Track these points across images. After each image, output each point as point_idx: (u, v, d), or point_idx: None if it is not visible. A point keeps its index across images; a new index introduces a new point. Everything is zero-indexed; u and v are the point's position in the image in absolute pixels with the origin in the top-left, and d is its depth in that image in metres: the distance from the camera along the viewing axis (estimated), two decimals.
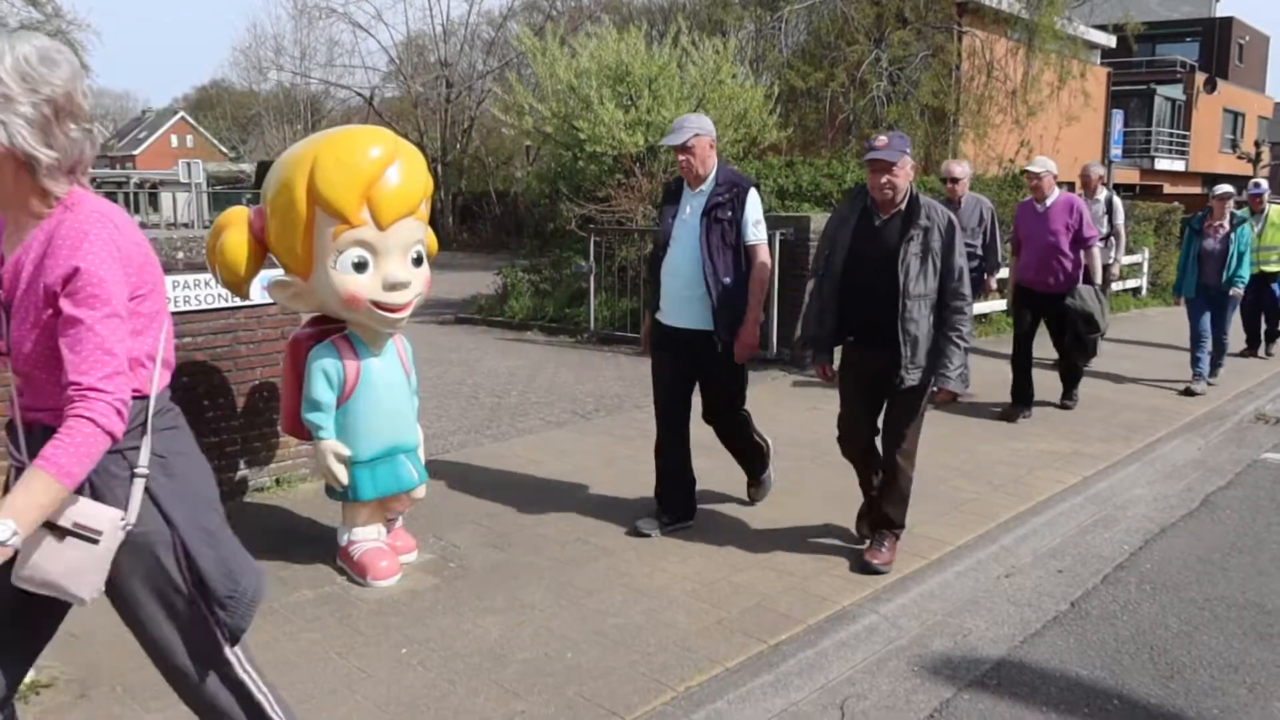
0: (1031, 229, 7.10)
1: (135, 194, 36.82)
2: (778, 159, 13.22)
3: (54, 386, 1.89)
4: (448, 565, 4.18)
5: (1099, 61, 26.94)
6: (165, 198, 35.28)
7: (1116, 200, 9.22)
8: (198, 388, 4.86)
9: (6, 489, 1.91)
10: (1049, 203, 7.04)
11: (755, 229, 4.42)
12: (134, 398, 1.95)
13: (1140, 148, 32.68)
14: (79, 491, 1.90)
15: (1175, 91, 34.73)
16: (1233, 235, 8.00)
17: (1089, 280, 7.08)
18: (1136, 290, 14.79)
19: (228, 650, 2.18)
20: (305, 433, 4.00)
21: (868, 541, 4.28)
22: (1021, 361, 7.16)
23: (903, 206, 4.04)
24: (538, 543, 4.44)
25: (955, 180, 7.38)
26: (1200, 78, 35.50)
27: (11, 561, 1.85)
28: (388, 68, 34.75)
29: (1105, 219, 8.94)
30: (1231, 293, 8.14)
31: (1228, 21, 39.63)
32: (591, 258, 10.60)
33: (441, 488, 5.11)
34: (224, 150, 58.77)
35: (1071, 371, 7.37)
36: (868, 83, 18.32)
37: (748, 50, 17.78)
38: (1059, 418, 7.05)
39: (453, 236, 27.34)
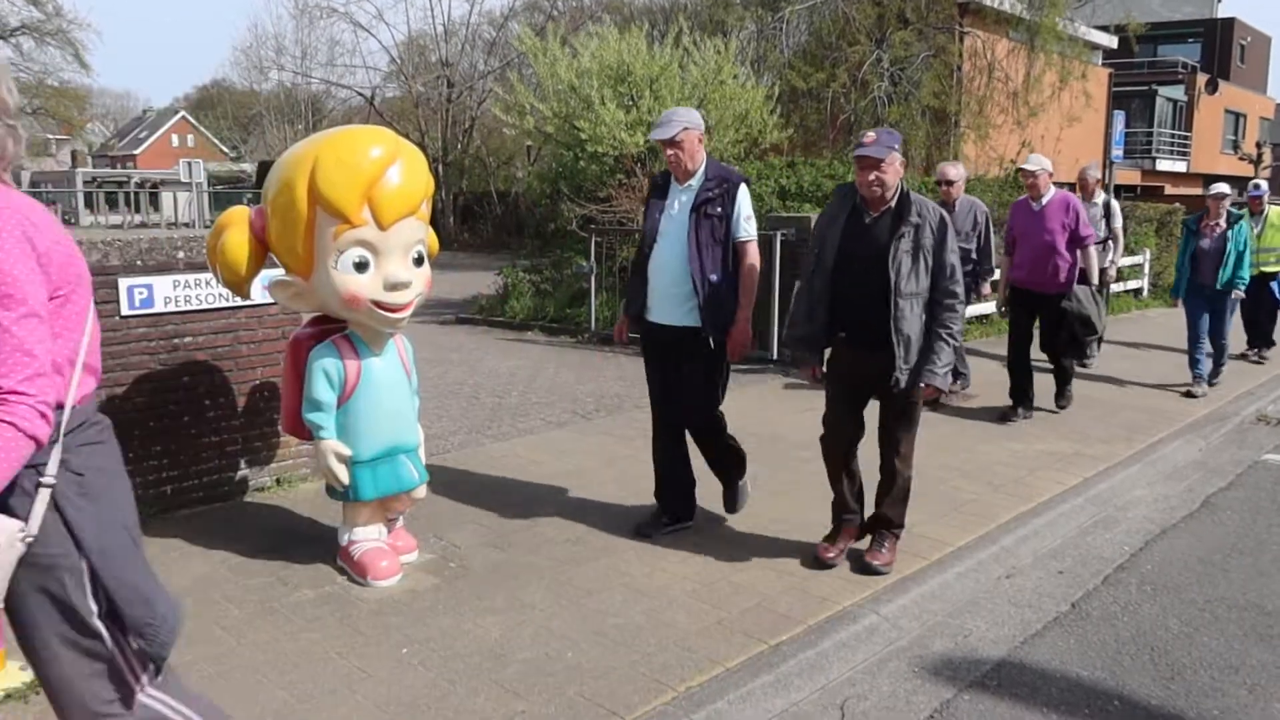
0: (1027, 227, 7.00)
1: (136, 194, 36.87)
2: (779, 159, 13.22)
3: None
4: (448, 565, 4.18)
5: (1100, 62, 26.93)
6: (166, 197, 35.31)
7: (1114, 203, 9.16)
8: (199, 387, 4.86)
9: None
10: (1045, 201, 6.95)
11: (746, 225, 4.35)
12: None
13: (1142, 149, 32.67)
14: None
15: (1177, 92, 34.72)
16: (1230, 234, 7.95)
17: (1085, 281, 7.01)
18: (1138, 291, 14.79)
19: (141, 693, 2.04)
20: (306, 432, 4.00)
21: (868, 542, 4.27)
22: (1019, 363, 7.12)
23: (893, 204, 3.98)
24: (538, 543, 4.44)
25: (950, 183, 7.30)
26: (1202, 79, 35.49)
27: None
28: (389, 67, 34.78)
29: (1103, 222, 8.89)
30: (1233, 295, 8.12)
31: (1229, 22, 39.62)
32: (592, 258, 10.61)
33: (442, 488, 5.11)
34: (225, 150, 58.81)
35: (1061, 373, 7.30)
36: (869, 83, 18.32)
37: (749, 50, 17.79)
38: (1059, 418, 7.05)
39: (454, 236, 27.35)
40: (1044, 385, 7.46)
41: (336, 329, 3.94)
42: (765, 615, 3.71)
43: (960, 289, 3.97)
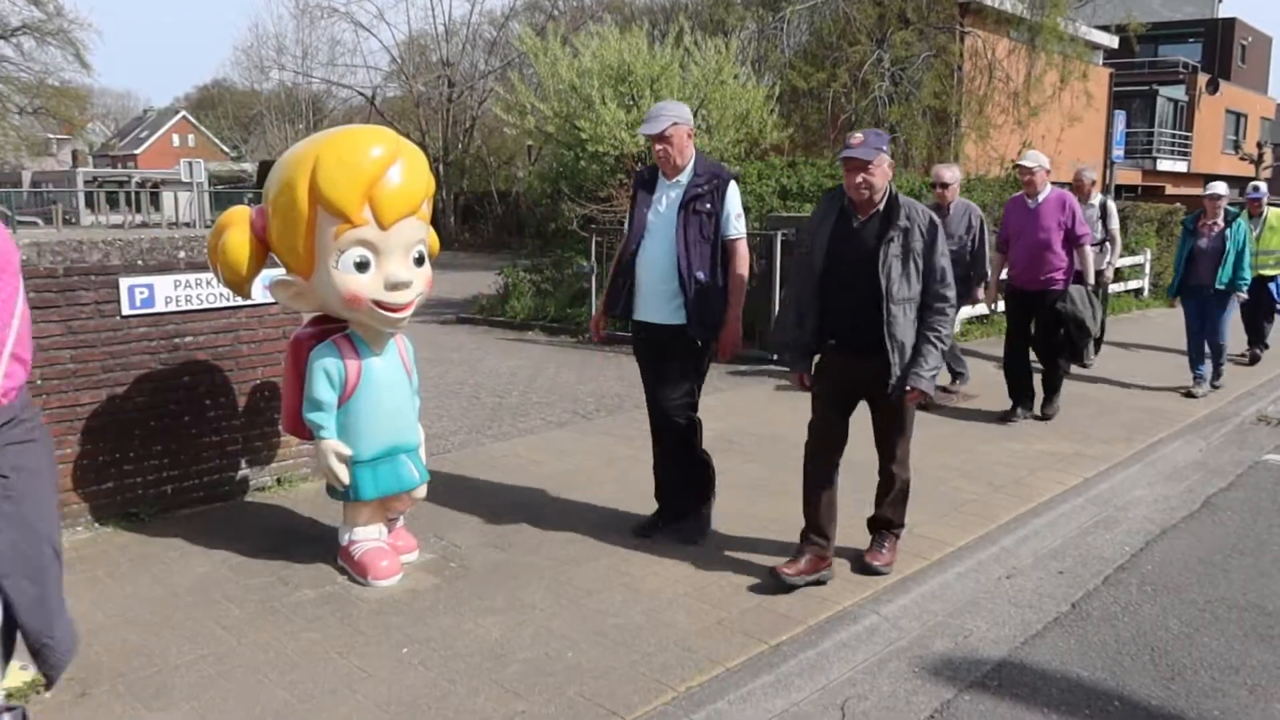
0: (1022, 225, 6.92)
1: (137, 193, 36.91)
2: (779, 159, 13.22)
3: None
4: (448, 565, 4.18)
5: (1101, 62, 26.92)
6: (167, 197, 35.34)
7: (1110, 204, 9.09)
8: (199, 387, 4.87)
9: None
10: (1040, 199, 6.87)
11: (736, 222, 4.28)
12: None
13: (1142, 149, 32.66)
14: None
15: (1178, 92, 34.70)
16: (1228, 233, 7.88)
17: (1081, 281, 6.90)
18: (1138, 292, 14.79)
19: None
20: (307, 432, 4.00)
21: (869, 542, 4.27)
22: (1017, 363, 7.06)
23: (881, 207, 3.88)
24: (538, 543, 4.44)
25: (945, 185, 7.21)
26: (1203, 79, 35.48)
27: None
28: (390, 67, 34.81)
29: (1100, 223, 8.82)
30: (1236, 296, 8.09)
31: (1230, 22, 39.59)
32: (593, 258, 10.60)
33: (442, 487, 5.11)
34: (226, 150, 58.83)
35: (1051, 380, 7.08)
36: (870, 83, 18.32)
37: (749, 50, 17.78)
38: (1060, 419, 7.04)
39: (454, 236, 27.36)
40: (1040, 388, 7.45)
41: (337, 329, 3.95)
42: (765, 615, 3.71)
43: (951, 292, 3.89)
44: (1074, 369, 8.32)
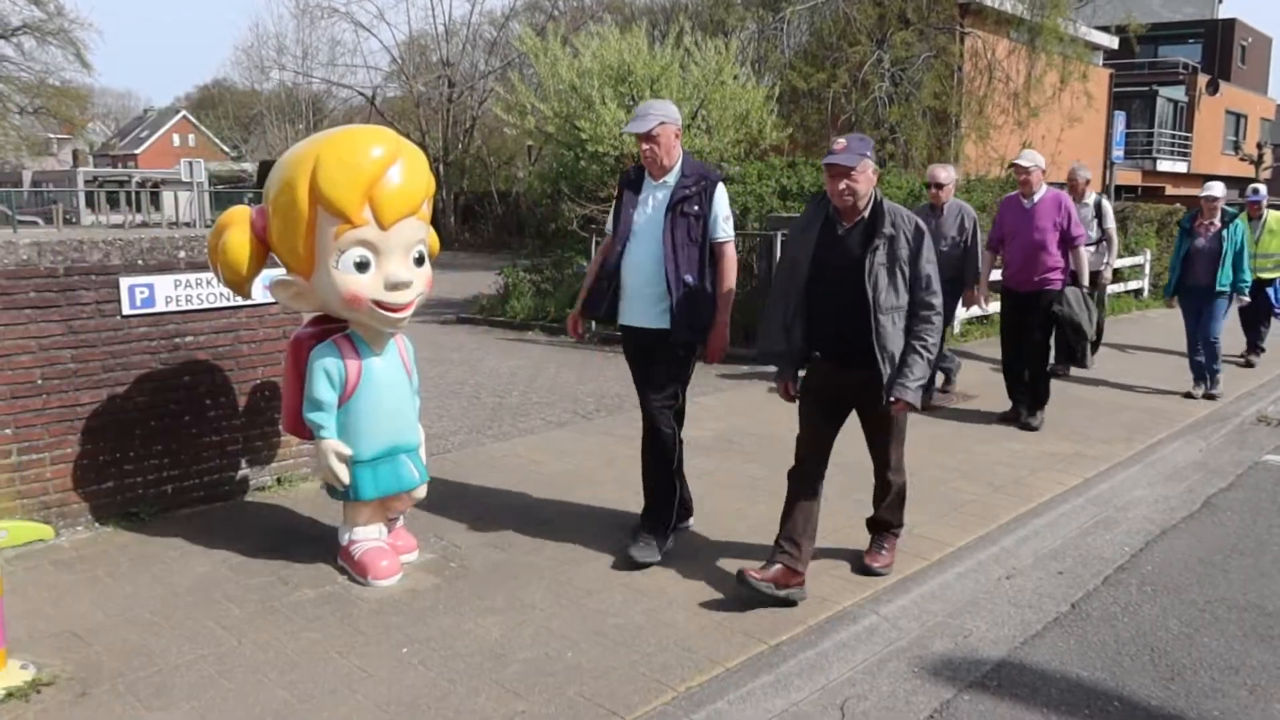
0: (1017, 225, 6.83)
1: (137, 193, 36.92)
2: (779, 159, 13.22)
3: None
4: (448, 565, 4.18)
5: (1101, 63, 26.93)
6: (167, 197, 35.36)
7: (1105, 203, 8.98)
8: (199, 387, 4.87)
9: None
10: (1036, 199, 6.79)
11: (725, 225, 4.19)
12: None
13: (1142, 149, 32.67)
14: None
15: (1178, 93, 34.71)
16: (1225, 233, 7.81)
17: (1076, 283, 6.79)
18: (1138, 292, 14.79)
19: None
20: (307, 432, 4.01)
21: (868, 543, 4.26)
22: (1015, 364, 6.99)
23: (866, 214, 3.77)
24: (538, 542, 4.44)
25: (940, 186, 7.15)
26: (1203, 79, 35.49)
27: None
28: (390, 67, 34.85)
29: (1095, 223, 8.70)
30: (1238, 299, 8.07)
31: (1230, 23, 39.60)
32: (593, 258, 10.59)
33: (442, 487, 5.11)
34: (226, 149, 58.84)
35: (1036, 389, 6.85)
36: (870, 84, 18.32)
37: (750, 51, 17.78)
38: (1059, 419, 7.03)
39: (455, 236, 27.37)
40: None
41: (337, 328, 3.95)
42: (765, 615, 3.70)
43: (937, 300, 3.79)
44: (1073, 370, 8.36)
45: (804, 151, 16.91)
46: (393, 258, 3.72)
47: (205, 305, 4.84)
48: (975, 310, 8.45)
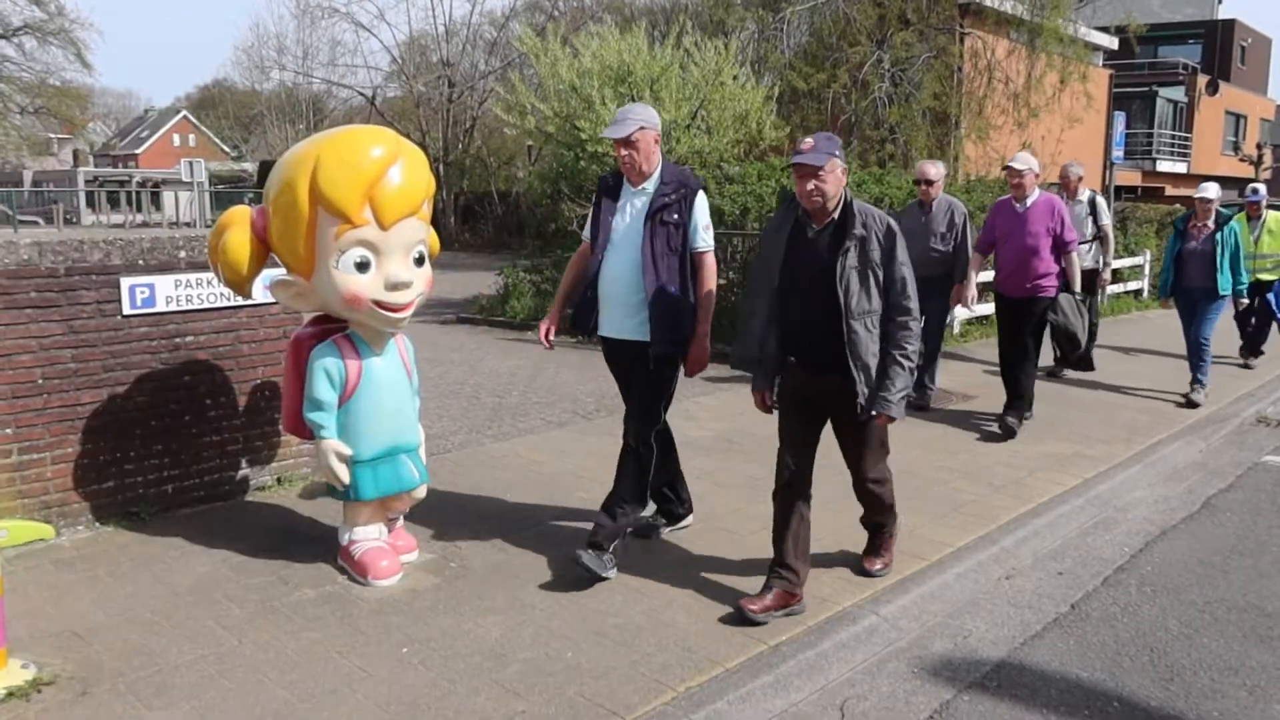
0: (1009, 229, 6.73)
1: (138, 193, 36.92)
2: (779, 159, 13.23)
3: None
4: (448, 565, 4.18)
5: (1101, 63, 26.93)
6: (168, 197, 35.37)
7: (1100, 200, 8.77)
8: (200, 386, 4.87)
9: None
10: (1029, 203, 6.67)
11: (705, 234, 4.08)
12: None
13: (1142, 150, 32.67)
14: None
15: (1177, 93, 34.72)
16: (1218, 236, 7.76)
17: (1069, 289, 6.69)
18: (1138, 293, 14.78)
19: None
20: (307, 432, 4.01)
21: (865, 544, 4.25)
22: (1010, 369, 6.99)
23: (836, 215, 3.66)
24: (538, 543, 4.44)
25: (930, 182, 7.09)
26: (1202, 80, 35.50)
27: None
28: (390, 67, 34.81)
29: (1089, 220, 8.56)
30: (1239, 302, 8.04)
31: (1230, 24, 39.61)
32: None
33: (442, 487, 5.12)
34: (226, 149, 58.86)
35: (1016, 397, 6.70)
36: (869, 84, 18.32)
37: (749, 51, 17.78)
38: (1059, 420, 7.04)
39: (455, 236, 27.37)
40: (1047, 390, 7.45)
41: (338, 328, 3.95)
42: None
43: (912, 304, 3.66)
44: (1072, 370, 8.35)
45: None
46: (393, 258, 3.72)
47: (206, 305, 4.85)
48: (975, 310, 8.40)
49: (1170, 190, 32.34)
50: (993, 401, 7.39)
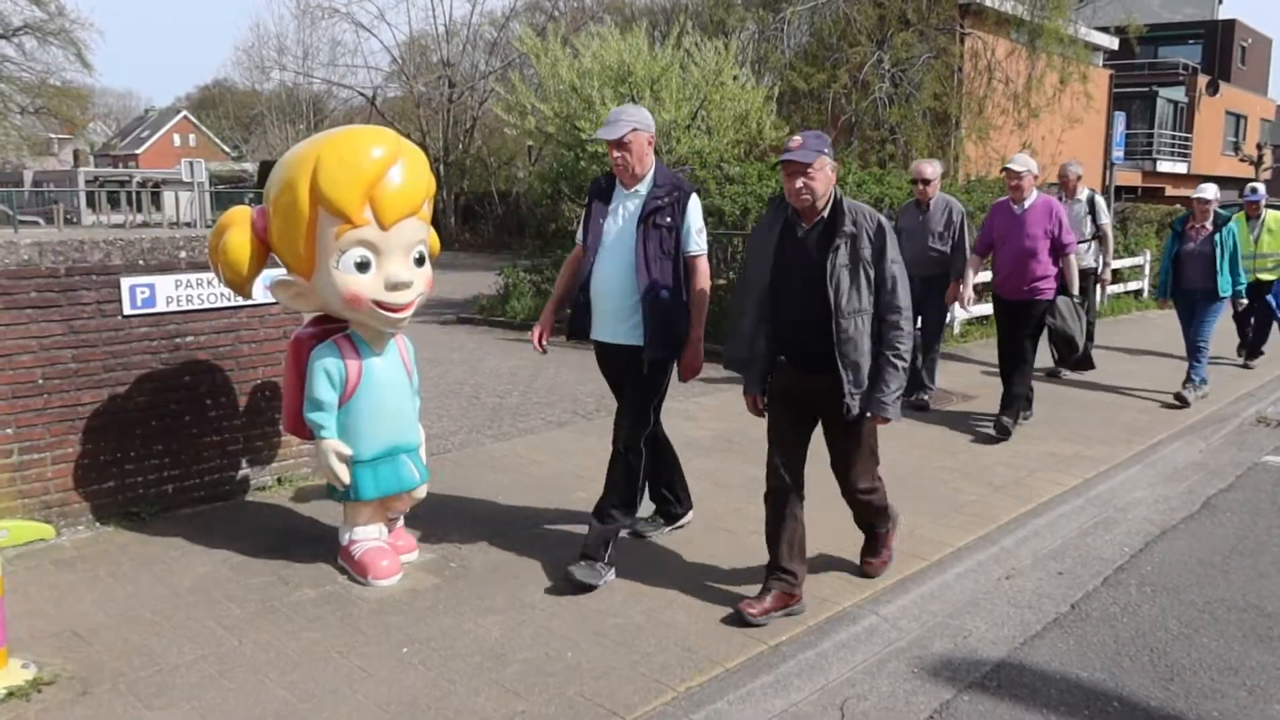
0: (1007, 231, 6.69)
1: (138, 193, 36.92)
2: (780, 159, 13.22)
3: None
4: (448, 565, 4.18)
5: (1101, 63, 26.93)
6: (168, 197, 35.38)
7: (1099, 199, 8.71)
8: (200, 387, 4.87)
9: None
10: (1027, 204, 6.63)
11: (698, 238, 4.04)
12: None
13: (1142, 150, 32.66)
14: None
15: (1177, 94, 34.71)
16: (1217, 237, 7.74)
17: (1066, 291, 6.65)
18: (1138, 293, 14.78)
19: None
20: (307, 432, 4.01)
21: (862, 544, 4.23)
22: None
23: (825, 213, 3.63)
24: (538, 542, 4.44)
25: (926, 181, 7.06)
26: (1203, 80, 35.49)
27: None
28: (390, 67, 34.80)
29: (1088, 219, 8.52)
30: (1238, 303, 8.03)
31: (1230, 24, 39.60)
32: None
33: (443, 487, 5.12)
34: (226, 150, 58.88)
35: (1010, 398, 6.65)
36: (870, 84, 18.32)
37: (750, 51, 17.78)
38: (1059, 420, 7.04)
39: (455, 236, 27.37)
40: (1046, 389, 7.44)
41: (338, 329, 3.95)
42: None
43: (903, 302, 3.61)
44: (1072, 372, 8.34)
45: None
46: (393, 258, 3.73)
47: (206, 305, 4.85)
48: (974, 310, 8.40)
49: (1170, 190, 32.34)
50: (993, 402, 7.38)
